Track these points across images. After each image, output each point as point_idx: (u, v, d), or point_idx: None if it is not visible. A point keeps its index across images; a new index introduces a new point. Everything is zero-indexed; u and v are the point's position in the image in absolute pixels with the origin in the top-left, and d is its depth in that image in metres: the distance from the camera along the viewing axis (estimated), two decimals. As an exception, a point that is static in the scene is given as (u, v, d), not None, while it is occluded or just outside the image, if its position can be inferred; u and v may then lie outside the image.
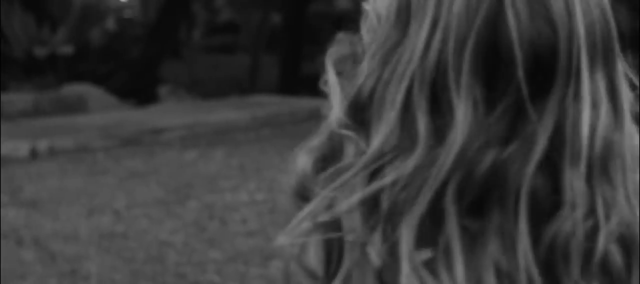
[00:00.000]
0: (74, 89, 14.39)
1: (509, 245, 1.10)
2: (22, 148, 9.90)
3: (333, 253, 1.17)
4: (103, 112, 13.40)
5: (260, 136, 12.13)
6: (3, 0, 16.48)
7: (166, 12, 19.45)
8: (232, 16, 42.75)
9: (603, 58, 1.15)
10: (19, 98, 13.36)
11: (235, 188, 8.69)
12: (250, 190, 8.62)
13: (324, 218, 1.16)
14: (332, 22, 36.95)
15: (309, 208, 1.17)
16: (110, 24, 32.24)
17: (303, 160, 1.23)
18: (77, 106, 13.73)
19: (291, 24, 22.33)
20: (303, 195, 1.22)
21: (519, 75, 1.09)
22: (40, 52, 15.48)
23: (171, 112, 13.21)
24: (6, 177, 8.78)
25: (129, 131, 11.34)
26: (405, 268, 1.09)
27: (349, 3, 39.93)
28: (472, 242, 1.11)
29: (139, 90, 15.53)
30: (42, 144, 10.12)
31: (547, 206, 1.10)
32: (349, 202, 1.13)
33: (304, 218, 1.17)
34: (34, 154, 9.91)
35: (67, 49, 15.71)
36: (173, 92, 15.79)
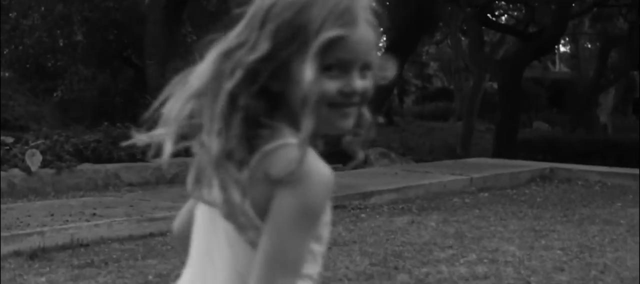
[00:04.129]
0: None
1: None
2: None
3: None
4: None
5: (478, 201, 10.87)
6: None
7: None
8: (445, 83, 42.14)
9: None
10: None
11: (451, 259, 7.45)
12: (469, 261, 7.35)
13: None
14: (546, 87, 35.78)
15: None
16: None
17: None
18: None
19: (508, 89, 21.25)
20: None
21: None
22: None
23: (381, 175, 12.14)
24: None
25: (335, 194, 10.26)
26: None
27: (566, 67, 38.27)
28: None
29: (345, 151, 14.56)
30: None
31: None
32: None
33: None
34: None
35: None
36: (384, 155, 14.71)
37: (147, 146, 1.92)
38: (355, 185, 10.76)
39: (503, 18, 30.50)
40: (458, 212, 9.94)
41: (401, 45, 18.00)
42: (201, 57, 1.82)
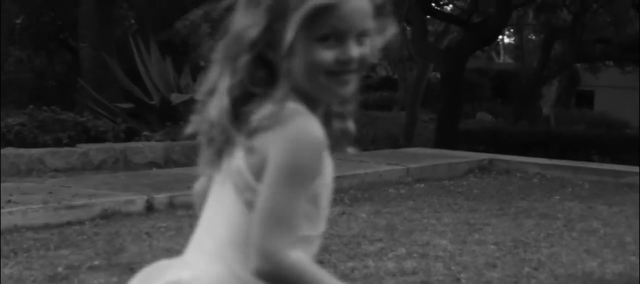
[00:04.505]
0: (210, 139, 13.14)
1: None
2: (137, 202, 8.59)
3: None
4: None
5: (413, 192, 10.60)
6: (142, 48, 15.63)
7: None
8: (389, 73, 41.94)
9: None
10: (149, 147, 12.17)
11: (380, 253, 7.16)
12: (398, 256, 7.07)
13: None
14: (490, 78, 35.73)
15: None
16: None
17: None
18: (212, 157, 12.49)
19: (450, 79, 21.08)
20: None
21: None
22: (177, 99, 14.33)
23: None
24: (108, 236, 7.49)
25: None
26: None
27: (510, 58, 38.34)
28: None
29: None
30: (160, 198, 8.79)
31: None
32: None
33: None
34: (149, 208, 8.58)
35: (206, 97, 14.50)
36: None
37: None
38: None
39: (448, 8, 30.36)
40: (391, 203, 9.64)
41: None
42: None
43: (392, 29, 2.02)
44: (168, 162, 12.08)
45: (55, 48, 22.65)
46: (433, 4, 25.14)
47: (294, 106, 1.86)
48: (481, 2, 23.22)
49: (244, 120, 1.89)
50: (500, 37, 33.29)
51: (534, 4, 26.83)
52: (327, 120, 2.02)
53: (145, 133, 13.17)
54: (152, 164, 11.87)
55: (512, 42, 39.16)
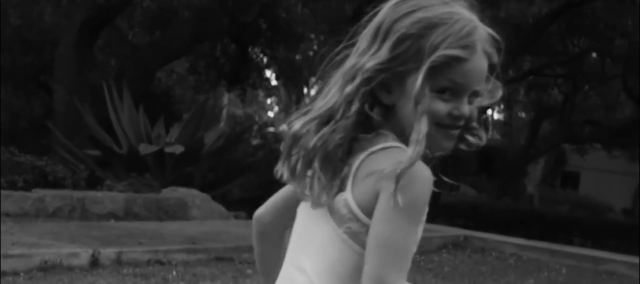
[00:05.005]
0: (174, 193, 12.62)
1: None
2: (82, 255, 8.03)
3: None
4: (202, 221, 11.63)
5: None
6: (115, 96, 15.19)
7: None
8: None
9: None
10: (109, 197, 11.62)
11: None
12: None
13: None
14: (477, 152, 35.38)
15: None
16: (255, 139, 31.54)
17: None
18: (175, 212, 11.97)
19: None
20: None
21: None
22: (145, 150, 13.82)
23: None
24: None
25: (223, 245, 9.43)
26: None
27: (497, 134, 38.11)
28: None
29: (245, 201, 13.74)
30: (108, 253, 8.23)
31: None
32: None
33: None
34: (94, 263, 8.02)
35: (176, 149, 14.01)
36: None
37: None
38: (248, 236, 9.86)
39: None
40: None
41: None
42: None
43: (500, 92, 2.05)
44: (128, 214, 11.53)
45: (34, 89, 22.20)
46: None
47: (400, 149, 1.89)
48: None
49: (353, 154, 1.94)
50: (489, 112, 33.01)
51: (526, 81, 26.56)
52: None
53: (108, 182, 12.62)
54: (110, 215, 11.32)
55: (502, 118, 38.89)
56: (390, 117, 1.95)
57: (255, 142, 32.12)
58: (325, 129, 1.94)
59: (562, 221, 22.86)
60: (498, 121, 40.79)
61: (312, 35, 24.50)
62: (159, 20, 20.61)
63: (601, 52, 23.82)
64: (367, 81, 1.91)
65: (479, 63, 1.94)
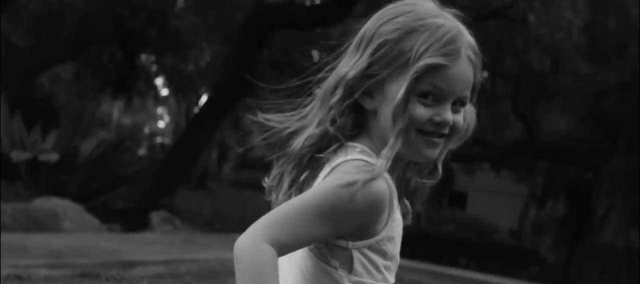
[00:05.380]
0: (46, 203, 12.03)
1: None
2: None
3: None
4: (71, 234, 11.08)
5: None
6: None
7: (187, 139, 17.52)
8: (265, 153, 41.27)
9: None
10: (-24, 207, 11.02)
11: None
12: None
13: None
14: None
15: None
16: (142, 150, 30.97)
17: None
18: (46, 224, 11.41)
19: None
20: None
21: None
22: (18, 157, 13.18)
23: (154, 243, 10.82)
24: None
25: (90, 260, 8.93)
26: None
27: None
28: None
29: (128, 213, 13.24)
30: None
31: None
32: None
33: None
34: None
35: (51, 157, 13.39)
36: (168, 220, 13.33)
37: None
38: (119, 251, 9.44)
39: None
40: (228, 295, 8.73)
41: (217, 105, 17.01)
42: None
43: (472, 117, 2.05)
44: (-6, 225, 10.92)
45: None
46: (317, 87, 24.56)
47: (363, 162, 1.91)
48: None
49: (318, 162, 1.98)
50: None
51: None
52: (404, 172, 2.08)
53: (-27, 191, 11.99)
54: (-25, 226, 10.70)
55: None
56: (373, 122, 1.96)
57: (141, 152, 31.54)
58: (302, 137, 1.98)
59: (448, 241, 22.90)
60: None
61: (205, 44, 24.04)
62: (44, 23, 19.89)
63: (492, 72, 23.93)
64: (350, 92, 1.94)
65: (463, 69, 1.92)
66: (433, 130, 1.91)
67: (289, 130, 2.03)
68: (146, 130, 41.80)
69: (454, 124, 1.93)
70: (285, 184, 2.05)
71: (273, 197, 2.10)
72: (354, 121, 1.98)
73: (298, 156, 1.99)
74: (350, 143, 1.96)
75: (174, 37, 20.71)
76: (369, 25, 2.00)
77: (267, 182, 2.15)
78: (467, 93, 1.95)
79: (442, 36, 1.90)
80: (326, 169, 1.93)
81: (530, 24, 15.67)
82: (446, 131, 1.93)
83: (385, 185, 1.88)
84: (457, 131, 1.96)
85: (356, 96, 1.94)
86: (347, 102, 1.94)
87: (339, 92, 1.94)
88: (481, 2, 17.62)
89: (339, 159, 1.93)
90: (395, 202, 1.98)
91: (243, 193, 31.90)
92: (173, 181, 16.98)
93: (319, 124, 1.96)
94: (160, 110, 47.78)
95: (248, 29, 17.03)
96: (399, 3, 2.01)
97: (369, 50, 1.94)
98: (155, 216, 13.23)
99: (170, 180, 16.75)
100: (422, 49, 1.89)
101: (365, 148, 1.95)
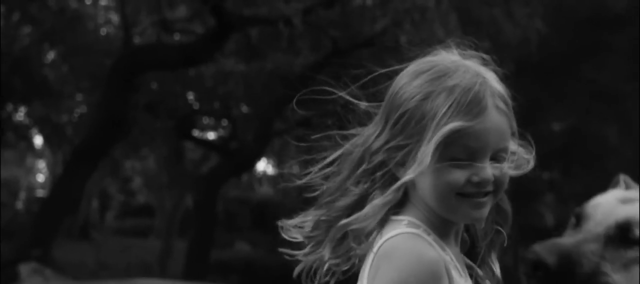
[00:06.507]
0: None
1: None
2: None
3: None
4: None
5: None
6: None
7: (61, 189, 17.04)
8: (148, 199, 40.64)
9: None
10: None
11: None
12: None
13: None
14: (250, 208, 35.14)
15: None
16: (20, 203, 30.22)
17: None
18: None
19: (202, 206, 20.21)
20: None
21: None
22: None
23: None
24: None
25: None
26: None
27: (271, 188, 38.17)
28: None
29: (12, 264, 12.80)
30: None
31: None
32: None
33: None
34: None
35: None
36: (38, 271, 12.88)
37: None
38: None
39: (211, 134, 29.59)
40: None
41: (90, 152, 16.57)
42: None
43: (530, 161, 1.97)
44: None
45: None
46: (195, 129, 24.45)
47: (407, 232, 1.88)
48: (240, 130, 22.62)
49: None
50: (262, 167, 33.01)
51: (294, 133, 26.51)
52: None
53: None
54: None
55: (274, 172, 38.85)
56: (413, 191, 1.93)
57: (19, 206, 30.82)
58: (350, 219, 1.94)
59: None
60: (270, 175, 40.73)
61: (80, 95, 23.56)
62: None
63: (370, 99, 24.00)
64: (380, 164, 1.92)
65: (493, 122, 1.85)
66: (475, 191, 1.86)
67: (317, 191, 2.05)
68: (24, 183, 40.82)
69: (497, 179, 1.87)
70: (327, 253, 2.02)
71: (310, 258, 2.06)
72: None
73: (340, 229, 1.97)
74: (394, 217, 1.94)
75: (43, 87, 20.19)
76: (392, 89, 1.99)
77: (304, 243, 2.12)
78: (505, 144, 1.88)
79: (461, 96, 1.84)
80: (378, 243, 1.90)
81: (402, 46, 15.68)
82: (490, 188, 1.87)
83: (435, 255, 1.84)
84: (502, 185, 1.90)
85: (390, 166, 1.91)
86: (380, 174, 1.93)
87: (364, 166, 1.95)
88: (352, 32, 17.67)
89: (387, 235, 1.90)
90: (455, 272, 1.90)
91: (127, 241, 31.45)
92: (48, 232, 16.46)
93: (351, 197, 1.96)
94: (39, 163, 46.75)
95: (116, 72, 16.65)
96: (420, 61, 1.98)
97: (391, 121, 1.93)
98: (25, 268, 12.77)
99: (44, 231, 16.23)
100: (441, 113, 1.84)
101: (412, 219, 1.92)
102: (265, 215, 33.56)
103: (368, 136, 1.99)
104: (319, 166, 2.07)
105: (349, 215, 1.96)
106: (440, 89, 1.88)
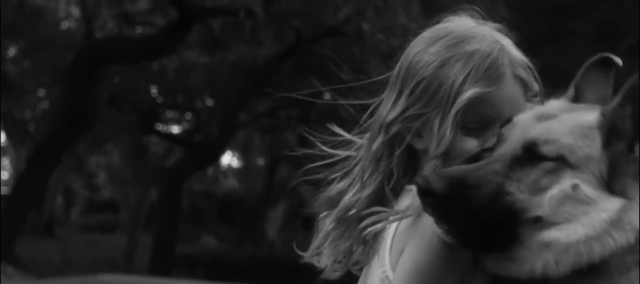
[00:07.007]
0: None
1: None
2: None
3: None
4: None
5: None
6: None
7: (23, 185, 16.85)
8: (113, 194, 40.35)
9: None
10: None
11: None
12: None
13: None
14: (216, 201, 35.03)
15: None
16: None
17: None
18: None
19: (166, 200, 20.08)
20: None
21: None
22: None
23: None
24: None
25: None
26: None
27: (236, 182, 38.07)
28: None
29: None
30: None
31: None
32: None
33: None
34: None
35: None
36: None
37: None
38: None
39: (176, 128, 29.42)
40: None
41: (52, 148, 16.38)
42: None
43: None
44: None
45: None
46: (158, 123, 24.27)
47: None
48: (204, 122, 22.49)
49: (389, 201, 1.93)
50: (227, 160, 32.87)
51: (259, 125, 26.41)
52: None
53: None
54: None
55: (239, 165, 38.69)
56: (426, 161, 1.88)
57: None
58: (353, 191, 1.95)
59: (305, 266, 22.76)
60: (235, 168, 40.56)
61: (43, 91, 23.32)
62: None
63: (334, 91, 23.94)
64: (395, 136, 1.89)
65: (510, 91, 1.85)
66: (482, 155, 1.84)
67: (333, 175, 2.06)
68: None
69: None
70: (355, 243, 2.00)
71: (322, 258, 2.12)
72: (406, 166, 1.94)
73: (355, 218, 1.95)
74: (408, 186, 1.91)
75: (4, 82, 19.94)
76: (404, 57, 1.93)
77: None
78: (518, 112, 1.85)
79: (479, 62, 1.82)
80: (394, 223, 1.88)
81: (365, 34, 15.63)
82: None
83: None
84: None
85: (408, 139, 1.88)
86: (398, 151, 1.89)
87: (381, 139, 1.91)
88: (315, 22, 17.57)
89: (404, 204, 1.87)
90: None
91: (92, 237, 31.22)
92: (10, 230, 16.24)
93: (369, 184, 1.93)
94: (2, 160, 46.27)
95: (78, 66, 16.48)
96: (433, 28, 1.94)
97: (407, 90, 1.88)
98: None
99: (7, 229, 16.03)
100: (459, 80, 1.81)
101: None
102: (230, 208, 33.47)
103: (381, 109, 1.96)
104: (335, 157, 2.07)
105: (371, 204, 1.93)
106: (458, 55, 1.85)
